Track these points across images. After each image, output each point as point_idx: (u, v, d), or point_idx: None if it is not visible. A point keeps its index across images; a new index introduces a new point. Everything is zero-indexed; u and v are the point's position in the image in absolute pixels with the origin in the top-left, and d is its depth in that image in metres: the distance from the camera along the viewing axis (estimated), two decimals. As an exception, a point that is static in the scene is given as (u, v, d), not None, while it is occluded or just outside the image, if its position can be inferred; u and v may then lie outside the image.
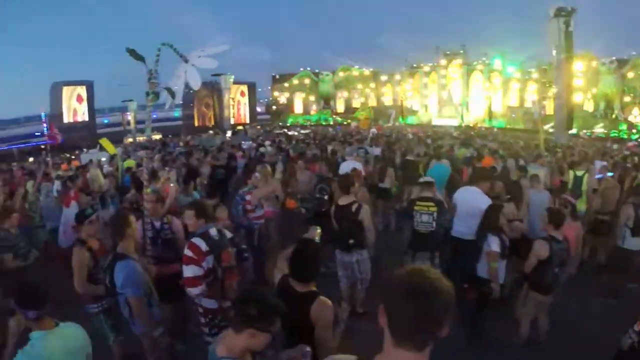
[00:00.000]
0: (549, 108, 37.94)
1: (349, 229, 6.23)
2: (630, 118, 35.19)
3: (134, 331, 4.85)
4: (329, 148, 15.94)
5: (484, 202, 6.63)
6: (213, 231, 4.75)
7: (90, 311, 5.19)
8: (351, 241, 6.22)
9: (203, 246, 4.60)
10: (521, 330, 5.84)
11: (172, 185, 8.32)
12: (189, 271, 4.54)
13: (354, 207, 6.22)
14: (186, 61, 40.56)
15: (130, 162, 16.54)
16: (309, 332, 3.36)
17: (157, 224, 5.95)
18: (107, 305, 5.21)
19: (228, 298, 4.56)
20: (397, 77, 54.61)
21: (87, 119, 51.24)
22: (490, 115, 45.44)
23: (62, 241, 8.67)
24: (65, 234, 8.69)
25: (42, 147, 21.63)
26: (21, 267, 6.62)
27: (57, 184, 11.20)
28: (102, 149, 18.63)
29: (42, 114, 20.97)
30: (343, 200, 6.41)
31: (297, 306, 3.35)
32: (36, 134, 46.90)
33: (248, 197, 7.84)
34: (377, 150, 14.54)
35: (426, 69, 51.55)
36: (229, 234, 4.90)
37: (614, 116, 36.25)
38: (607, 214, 8.45)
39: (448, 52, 49.66)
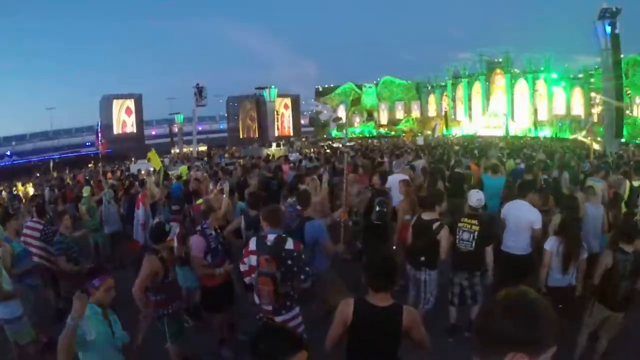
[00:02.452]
0: (597, 115, 37.04)
1: (424, 246, 6.10)
2: None
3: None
4: (377, 160, 16.01)
5: (536, 217, 6.53)
6: (271, 236, 4.86)
7: (155, 315, 5.35)
8: (422, 258, 6.11)
9: (252, 245, 4.92)
10: (579, 338, 5.64)
11: (224, 196, 8.51)
12: (240, 266, 5.04)
13: (435, 225, 6.06)
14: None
15: (184, 170, 17.07)
16: (395, 345, 3.40)
17: (214, 233, 6.17)
18: (172, 310, 5.39)
19: (262, 302, 4.77)
20: (440, 87, 54.29)
21: (135, 130, 53.04)
22: (537, 124, 44.59)
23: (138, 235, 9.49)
24: (136, 234, 9.59)
25: (93, 156, 22.33)
26: (75, 270, 6.91)
27: (106, 192, 11.67)
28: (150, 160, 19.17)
29: (98, 124, 21.61)
30: (426, 216, 6.24)
31: (384, 322, 3.39)
32: (87, 144, 48.68)
33: (299, 207, 7.94)
34: (421, 163, 14.51)
35: (469, 78, 51.17)
36: (289, 245, 4.80)
37: None
38: None
39: (491, 61, 49.22)
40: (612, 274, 5.20)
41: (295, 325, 4.82)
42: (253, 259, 4.81)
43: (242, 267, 4.99)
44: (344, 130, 44.09)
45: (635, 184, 8.99)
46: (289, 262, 4.73)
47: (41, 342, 6.31)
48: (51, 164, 28.97)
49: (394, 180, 9.51)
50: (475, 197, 6.30)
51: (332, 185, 10.19)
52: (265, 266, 4.67)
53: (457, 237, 6.12)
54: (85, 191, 11.87)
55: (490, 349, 1.61)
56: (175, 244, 6.61)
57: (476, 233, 6.01)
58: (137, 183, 14.20)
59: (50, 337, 6.57)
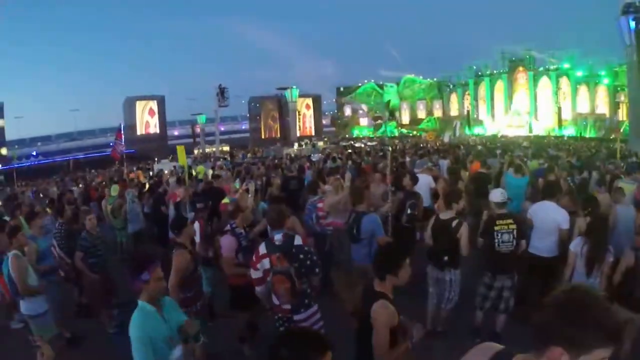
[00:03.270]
0: (622, 113, 36.51)
1: (446, 246, 6.03)
2: None
3: None
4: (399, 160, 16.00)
5: (564, 218, 6.48)
6: (278, 237, 4.91)
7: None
8: (445, 258, 6.02)
9: (262, 250, 4.93)
10: None
11: (249, 196, 8.58)
12: (252, 273, 4.98)
13: (454, 223, 6.00)
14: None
15: (201, 169, 17.30)
16: (368, 331, 3.44)
17: (243, 232, 6.30)
18: (199, 308, 5.49)
19: (281, 301, 4.78)
20: (462, 86, 54.02)
21: (158, 131, 53.72)
22: (560, 123, 44.04)
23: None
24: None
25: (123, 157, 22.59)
26: (85, 269, 7.00)
27: (130, 192, 11.86)
28: (174, 158, 19.35)
29: (122, 125, 21.86)
30: (444, 215, 6.21)
31: (366, 303, 3.51)
32: (110, 144, 49.49)
33: (320, 205, 8.01)
34: (445, 163, 14.48)
35: (491, 77, 50.75)
36: (298, 241, 4.89)
37: None
38: None
39: (514, 59, 48.74)
40: (634, 273, 5.22)
41: (314, 322, 4.86)
42: (266, 262, 4.83)
43: (255, 275, 4.95)
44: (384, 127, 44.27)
45: None
46: (301, 256, 4.76)
47: (64, 337, 6.51)
48: (71, 164, 29.51)
49: (420, 180, 9.49)
50: (499, 193, 6.35)
51: (361, 184, 10.08)
52: (278, 264, 4.72)
53: (496, 240, 6.00)
54: (114, 190, 12.08)
55: (536, 339, 1.66)
56: (198, 241, 6.74)
57: (515, 232, 5.95)
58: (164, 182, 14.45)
59: (73, 332, 6.79)
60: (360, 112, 57.66)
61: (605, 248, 5.60)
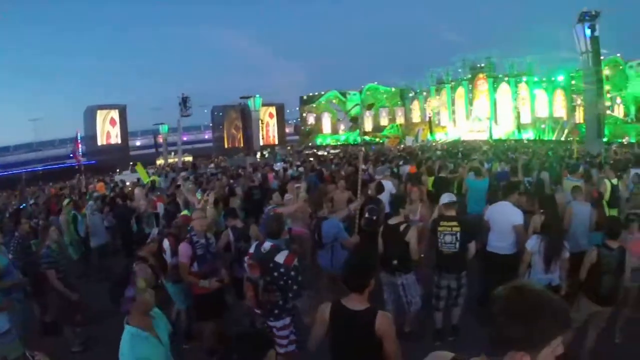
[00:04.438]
0: (579, 116, 37.50)
1: (394, 250, 6.07)
2: None
3: None
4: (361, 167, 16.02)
5: (517, 216, 6.68)
6: (267, 245, 4.95)
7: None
8: (395, 262, 6.04)
9: (251, 249, 5.16)
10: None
11: (209, 207, 8.51)
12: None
13: (402, 227, 6.08)
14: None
15: (155, 178, 17.16)
16: (374, 349, 3.38)
17: (203, 240, 6.19)
18: None
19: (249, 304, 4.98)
20: (424, 93, 54.71)
21: (120, 141, 52.74)
22: (520, 127, 45.08)
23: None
24: None
25: (77, 167, 22.23)
26: (64, 292, 6.79)
27: (91, 204, 11.59)
28: (134, 171, 19.16)
29: (79, 135, 21.52)
30: (392, 220, 6.30)
31: (358, 325, 3.41)
32: (70, 155, 48.34)
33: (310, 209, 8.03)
34: (406, 169, 14.58)
35: (453, 84, 51.57)
36: (280, 258, 4.77)
37: None
38: None
39: (474, 66, 49.62)
40: (597, 269, 5.36)
41: (284, 335, 4.84)
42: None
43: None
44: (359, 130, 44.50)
45: (614, 182, 9.10)
46: (275, 273, 4.72)
47: (30, 356, 6.26)
48: (23, 177, 28.82)
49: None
50: (446, 196, 6.44)
51: (320, 191, 10.15)
52: (249, 270, 4.78)
53: (439, 240, 6.15)
54: (65, 203, 11.75)
55: (493, 348, 1.66)
56: (169, 257, 6.61)
57: (458, 234, 6.05)
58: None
59: (38, 352, 6.56)
60: (324, 120, 57.75)
61: (561, 244, 5.75)
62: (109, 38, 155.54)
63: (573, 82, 38.89)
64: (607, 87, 33.30)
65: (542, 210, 7.07)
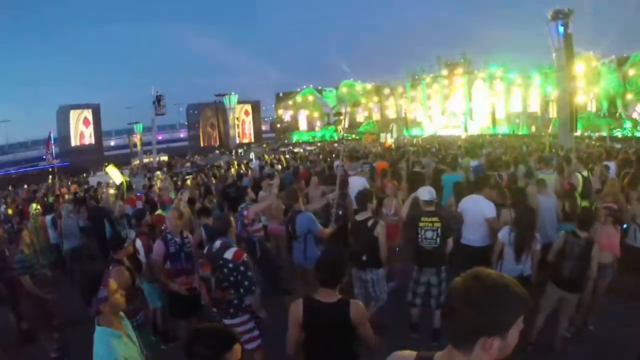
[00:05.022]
0: (552, 111, 37.97)
1: (363, 246, 6.12)
2: (635, 115, 35.57)
3: None
4: (335, 164, 16.07)
5: (489, 209, 6.80)
6: (217, 243, 5.01)
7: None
8: (364, 258, 6.11)
9: (205, 249, 5.23)
10: (536, 320, 5.75)
11: (183, 206, 8.49)
12: None
13: (369, 223, 6.11)
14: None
15: (125, 178, 17.05)
16: (349, 338, 3.48)
17: (178, 239, 6.21)
18: (140, 321, 5.44)
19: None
20: (400, 90, 54.87)
21: (94, 141, 51.84)
22: (495, 122, 45.41)
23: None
24: None
25: (51, 170, 21.91)
26: (38, 294, 6.68)
27: (67, 207, 11.40)
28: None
29: (52, 136, 21.23)
30: (360, 216, 6.30)
31: (333, 317, 3.46)
32: (44, 157, 47.48)
33: (245, 213, 7.98)
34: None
35: (428, 80, 51.82)
36: (228, 254, 4.85)
37: (617, 114, 36.54)
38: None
39: (449, 62, 49.98)
40: (562, 254, 5.58)
41: (245, 330, 4.89)
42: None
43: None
44: (341, 126, 44.56)
45: (585, 174, 9.38)
46: (225, 270, 4.80)
47: None
48: None
49: (353, 182, 9.59)
50: (426, 191, 6.40)
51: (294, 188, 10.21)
52: (202, 269, 4.91)
53: (420, 236, 6.15)
54: (32, 208, 11.56)
55: (461, 339, 1.66)
56: (143, 258, 6.62)
57: (439, 230, 6.08)
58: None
59: None
60: (300, 117, 57.63)
61: (532, 236, 5.89)
62: (80, 36, 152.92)
63: (547, 78, 39.27)
64: (580, 84, 33.63)
65: (511, 203, 7.12)
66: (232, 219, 5.55)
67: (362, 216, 6.26)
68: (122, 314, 3.46)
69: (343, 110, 48.84)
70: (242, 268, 4.80)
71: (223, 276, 4.78)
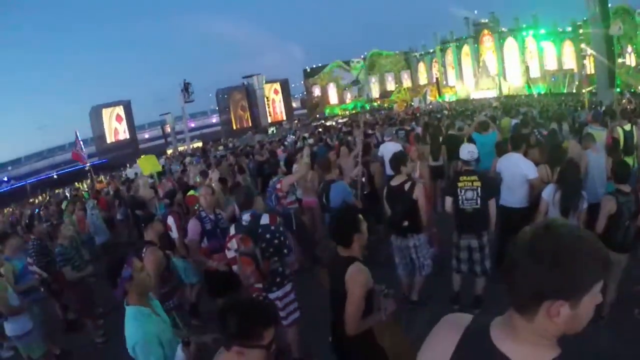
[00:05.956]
0: (590, 67, 36.80)
1: (403, 211, 5.80)
2: None
3: None
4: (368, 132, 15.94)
5: (531, 169, 6.43)
6: (245, 217, 4.99)
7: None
8: (405, 223, 5.79)
9: (231, 230, 5.08)
10: (607, 290, 5.33)
11: (213, 184, 8.49)
12: (227, 253, 5.06)
13: (406, 186, 5.79)
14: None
15: (157, 168, 17.37)
16: (344, 299, 3.30)
17: (212, 216, 6.17)
18: (178, 302, 5.48)
19: (243, 284, 4.96)
20: (429, 54, 54.06)
21: (128, 136, 52.78)
22: (529, 81, 44.21)
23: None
24: None
25: (90, 168, 22.28)
26: (81, 277, 6.94)
27: (91, 203, 11.58)
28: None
29: (77, 133, 21.60)
30: (395, 181, 5.99)
31: (337, 270, 3.42)
32: (84, 157, 48.57)
33: (278, 186, 7.88)
34: (418, 130, 14.37)
35: (458, 43, 50.78)
36: (264, 220, 4.86)
37: None
38: None
39: (478, 23, 48.79)
40: (617, 217, 5.14)
41: (289, 301, 4.89)
42: (235, 243, 4.81)
43: (229, 254, 4.97)
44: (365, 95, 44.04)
45: (627, 128, 8.88)
46: (268, 235, 4.76)
47: (53, 354, 6.45)
48: (28, 188, 29.10)
49: (385, 148, 9.43)
50: (467, 150, 6.05)
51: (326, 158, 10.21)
52: (242, 245, 4.68)
53: (460, 197, 5.80)
54: (63, 205, 11.78)
55: (524, 302, 1.39)
56: (176, 235, 6.74)
57: (479, 189, 5.72)
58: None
59: (62, 348, 6.77)
60: (330, 90, 57.30)
61: (579, 194, 5.52)
62: (105, 34, 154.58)
63: (581, 31, 37.90)
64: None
65: (547, 162, 6.83)
66: (251, 189, 5.55)
67: (398, 180, 5.95)
68: (151, 294, 3.41)
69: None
70: (281, 228, 4.88)
71: (267, 243, 4.74)
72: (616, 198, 5.17)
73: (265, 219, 4.84)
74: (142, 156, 12.42)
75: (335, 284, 3.43)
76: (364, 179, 8.01)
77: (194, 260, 6.29)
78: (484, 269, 5.84)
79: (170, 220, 6.79)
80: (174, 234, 6.76)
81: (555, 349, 1.42)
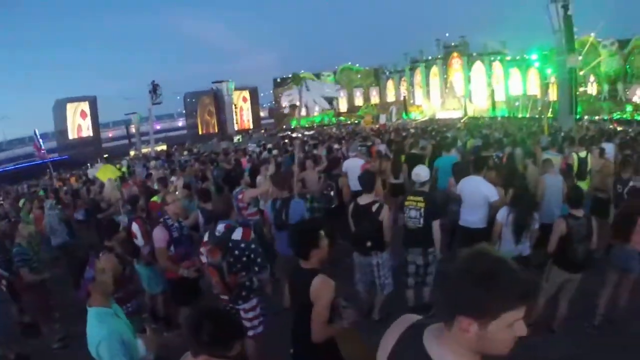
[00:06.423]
0: (553, 94, 37.86)
1: (368, 230, 5.95)
2: (635, 99, 35.42)
3: None
4: (334, 147, 16.07)
5: (491, 192, 6.66)
6: (220, 226, 4.93)
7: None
8: (369, 243, 5.95)
9: (205, 237, 5.09)
10: (537, 306, 5.75)
11: (177, 192, 8.45)
12: (202, 258, 5.04)
13: (374, 207, 5.93)
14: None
15: (117, 174, 17.18)
16: (309, 311, 3.37)
17: (177, 224, 6.11)
18: (131, 309, 5.34)
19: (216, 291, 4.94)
20: (399, 73, 54.72)
21: (91, 134, 51.40)
22: (494, 104, 45.22)
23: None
24: None
25: (50, 164, 21.84)
26: (37, 280, 6.68)
27: (50, 202, 11.30)
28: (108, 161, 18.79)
29: (36, 132, 21.27)
30: (363, 200, 6.10)
31: (300, 282, 3.47)
32: (42, 151, 47.17)
33: (240, 197, 7.97)
34: (381, 147, 14.54)
35: (427, 63, 51.52)
36: (237, 235, 4.79)
37: (618, 98, 36.44)
38: (604, 192, 8.52)
39: (448, 45, 49.70)
40: (568, 238, 5.44)
41: (252, 317, 4.89)
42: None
43: (203, 259, 4.97)
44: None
45: (582, 155, 9.46)
46: (236, 252, 4.70)
47: (9, 358, 6.30)
48: None
49: (349, 164, 9.54)
50: (415, 172, 6.40)
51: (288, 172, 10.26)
52: (209, 256, 4.69)
53: (405, 215, 6.18)
54: (21, 203, 11.45)
55: (444, 310, 1.60)
56: (141, 242, 6.60)
57: (422, 210, 6.04)
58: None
59: (18, 353, 6.54)
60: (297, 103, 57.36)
61: (531, 216, 5.90)
62: (74, 28, 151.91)
63: (546, 60, 39.11)
64: (580, 66, 33.55)
65: (503, 184, 7.22)
66: (231, 199, 5.55)
67: (366, 199, 6.09)
68: (112, 300, 3.40)
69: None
70: (253, 246, 4.80)
71: (234, 259, 4.70)
72: (567, 221, 5.48)
73: (237, 234, 4.80)
74: (101, 165, 12.29)
75: (298, 295, 3.48)
76: (332, 193, 8.13)
77: (165, 268, 6.11)
78: (426, 282, 6.27)
79: (135, 227, 6.68)
80: (139, 241, 6.64)
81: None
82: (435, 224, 6.06)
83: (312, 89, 8.47)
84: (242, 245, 4.72)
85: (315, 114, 56.53)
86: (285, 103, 48.15)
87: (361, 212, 6.07)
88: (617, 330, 5.73)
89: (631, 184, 7.44)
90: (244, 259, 4.71)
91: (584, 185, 8.62)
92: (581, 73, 34.09)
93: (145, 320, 5.99)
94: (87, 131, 51.32)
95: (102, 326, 2.99)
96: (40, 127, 21.07)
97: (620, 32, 37.06)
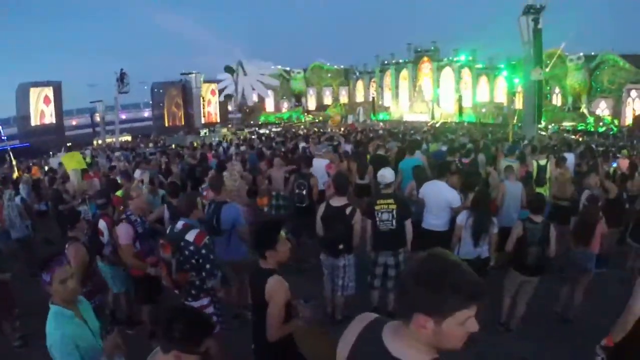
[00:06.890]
0: (518, 102, 38.74)
1: (341, 233, 5.93)
2: (597, 112, 37.33)
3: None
4: (300, 145, 16.05)
5: (454, 197, 6.82)
6: (179, 224, 4.88)
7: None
8: (341, 246, 5.94)
9: (167, 231, 5.20)
10: (503, 303, 6.11)
11: (142, 186, 8.27)
12: None
13: (348, 210, 5.93)
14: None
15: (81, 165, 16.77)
16: (264, 309, 3.44)
17: (139, 219, 6.00)
18: (97, 303, 5.19)
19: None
20: (369, 74, 55.27)
21: (55, 121, 49.88)
22: (461, 110, 46.09)
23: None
24: None
25: (10, 150, 21.22)
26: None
27: (23, 188, 11.01)
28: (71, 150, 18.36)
29: None
30: (336, 202, 6.07)
31: (257, 281, 3.55)
32: (3, 138, 45.70)
33: (205, 193, 7.88)
34: (347, 147, 14.60)
35: (397, 66, 52.21)
36: (190, 236, 4.71)
37: (581, 110, 37.95)
38: (565, 200, 8.90)
39: (419, 50, 50.40)
40: (523, 241, 5.75)
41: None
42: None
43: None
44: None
45: (542, 162, 9.81)
46: (186, 252, 4.68)
47: None
48: None
49: (318, 164, 9.54)
50: (380, 174, 6.40)
51: (256, 171, 10.51)
52: (162, 250, 4.71)
53: (377, 218, 6.14)
54: None
55: (402, 310, 1.70)
56: (106, 238, 6.27)
57: (394, 211, 6.07)
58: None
59: None
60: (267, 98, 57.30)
61: (489, 220, 6.09)
62: (41, 10, 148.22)
63: (514, 70, 40.12)
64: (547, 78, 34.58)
65: (463, 189, 7.31)
66: (198, 200, 5.38)
67: (339, 202, 6.07)
68: (81, 299, 3.37)
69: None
70: (203, 251, 4.69)
71: (184, 258, 4.66)
72: (524, 224, 5.79)
73: (191, 235, 4.70)
74: (65, 153, 11.96)
75: (256, 294, 3.55)
76: (304, 192, 8.10)
77: (132, 266, 5.90)
78: (396, 284, 6.09)
79: (102, 224, 6.30)
80: (105, 238, 6.27)
81: (431, 354, 1.68)
82: (408, 223, 6.16)
83: (249, 73, 8.38)
84: (192, 248, 4.67)
85: (284, 110, 56.55)
86: (221, 98, 47.14)
87: (333, 215, 6.03)
88: (573, 328, 6.11)
89: (587, 192, 7.81)
90: (193, 261, 4.68)
91: (542, 191, 9.04)
92: (547, 85, 35.14)
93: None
94: (50, 118, 49.46)
95: (56, 328, 2.97)
96: (2, 112, 20.36)
97: (587, 47, 38.44)
